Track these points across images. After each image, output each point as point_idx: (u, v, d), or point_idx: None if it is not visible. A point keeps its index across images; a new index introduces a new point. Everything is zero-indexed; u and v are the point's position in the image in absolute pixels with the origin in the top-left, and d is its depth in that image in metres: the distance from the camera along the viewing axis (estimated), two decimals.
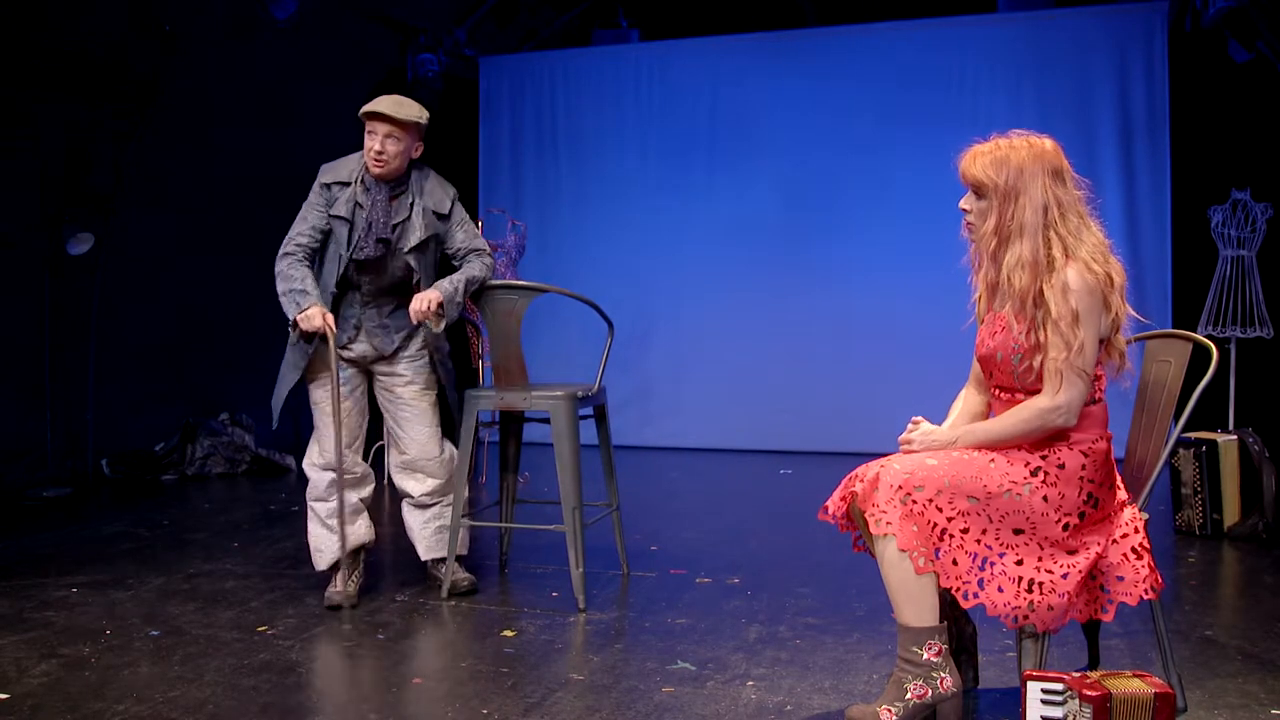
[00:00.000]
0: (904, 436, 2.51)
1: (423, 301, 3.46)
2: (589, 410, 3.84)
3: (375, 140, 3.47)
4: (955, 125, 6.80)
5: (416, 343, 3.68)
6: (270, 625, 3.34)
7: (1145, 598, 2.39)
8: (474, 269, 3.65)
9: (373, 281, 3.60)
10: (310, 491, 3.65)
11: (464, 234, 3.67)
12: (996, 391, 2.54)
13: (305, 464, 3.69)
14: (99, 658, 3.02)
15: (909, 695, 2.36)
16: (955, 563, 2.33)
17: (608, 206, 7.71)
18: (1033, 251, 2.38)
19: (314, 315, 3.46)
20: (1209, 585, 3.93)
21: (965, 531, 2.35)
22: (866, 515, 2.37)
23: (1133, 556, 2.41)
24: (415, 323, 3.53)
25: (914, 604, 2.35)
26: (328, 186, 3.60)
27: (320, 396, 3.64)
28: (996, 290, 2.49)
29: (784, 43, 7.43)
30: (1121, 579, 2.39)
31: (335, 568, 3.60)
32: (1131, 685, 2.24)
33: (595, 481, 4.05)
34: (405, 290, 3.61)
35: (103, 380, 6.25)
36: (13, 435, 5.76)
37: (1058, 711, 2.25)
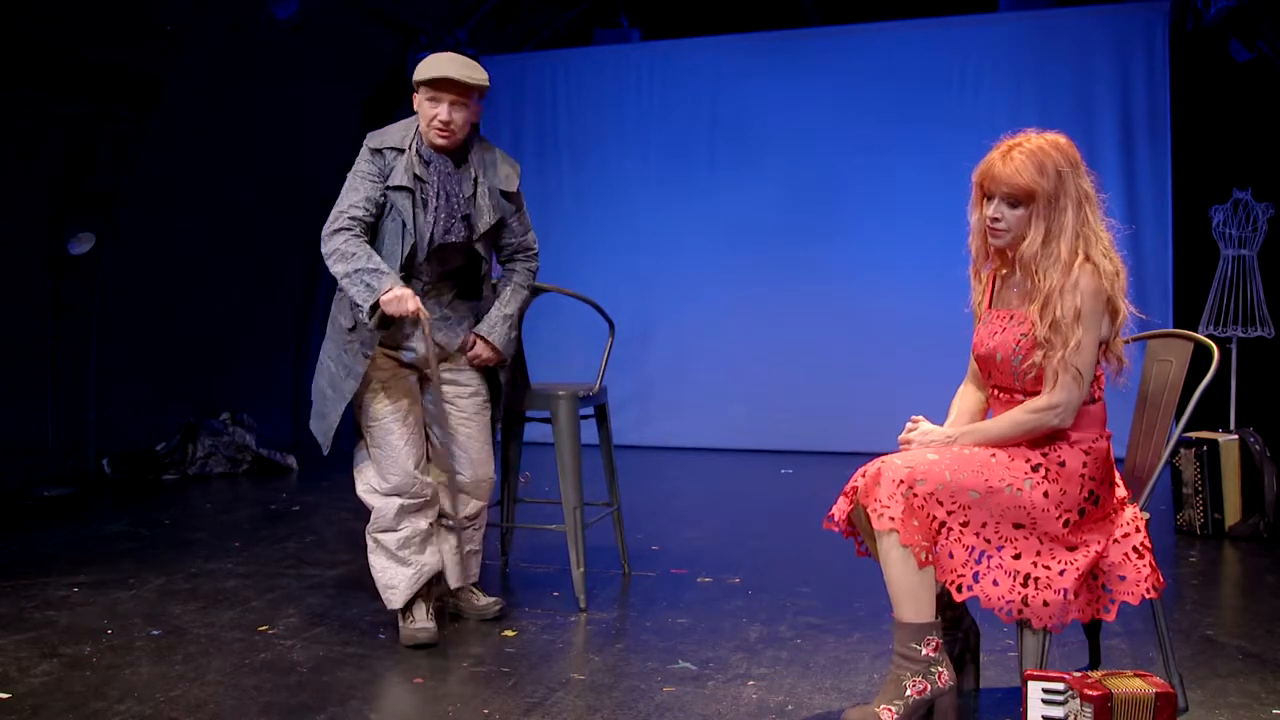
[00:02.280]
0: (903, 436, 2.52)
1: (482, 357, 3.22)
2: (590, 410, 3.84)
3: (440, 108, 3.02)
4: (956, 125, 6.80)
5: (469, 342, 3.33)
6: (271, 625, 3.34)
7: (1147, 597, 2.39)
8: (521, 291, 3.34)
9: (436, 266, 3.17)
10: (375, 523, 3.21)
11: (520, 224, 3.31)
12: (995, 391, 2.54)
13: (362, 491, 3.25)
14: (100, 657, 3.02)
15: (908, 692, 2.36)
16: (951, 556, 2.33)
17: (608, 206, 7.70)
18: (1069, 251, 2.38)
19: (405, 296, 2.91)
20: (1210, 585, 3.93)
21: (965, 525, 2.35)
22: (868, 510, 2.36)
23: (1134, 556, 2.41)
24: (470, 364, 3.25)
25: (914, 599, 2.35)
26: (379, 152, 3.12)
27: (382, 410, 3.18)
28: (1006, 289, 2.49)
29: (785, 43, 7.43)
30: (1123, 578, 2.39)
31: (411, 602, 3.19)
32: (1133, 685, 2.24)
33: (596, 481, 4.04)
34: (464, 275, 3.26)
35: (104, 380, 6.25)
36: (14, 435, 5.76)
37: (1059, 711, 2.25)
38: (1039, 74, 6.87)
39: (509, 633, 3.26)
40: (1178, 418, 2.60)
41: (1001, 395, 2.51)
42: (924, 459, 2.37)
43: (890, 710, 2.35)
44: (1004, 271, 2.56)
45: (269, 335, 7.70)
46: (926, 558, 2.32)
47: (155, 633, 3.25)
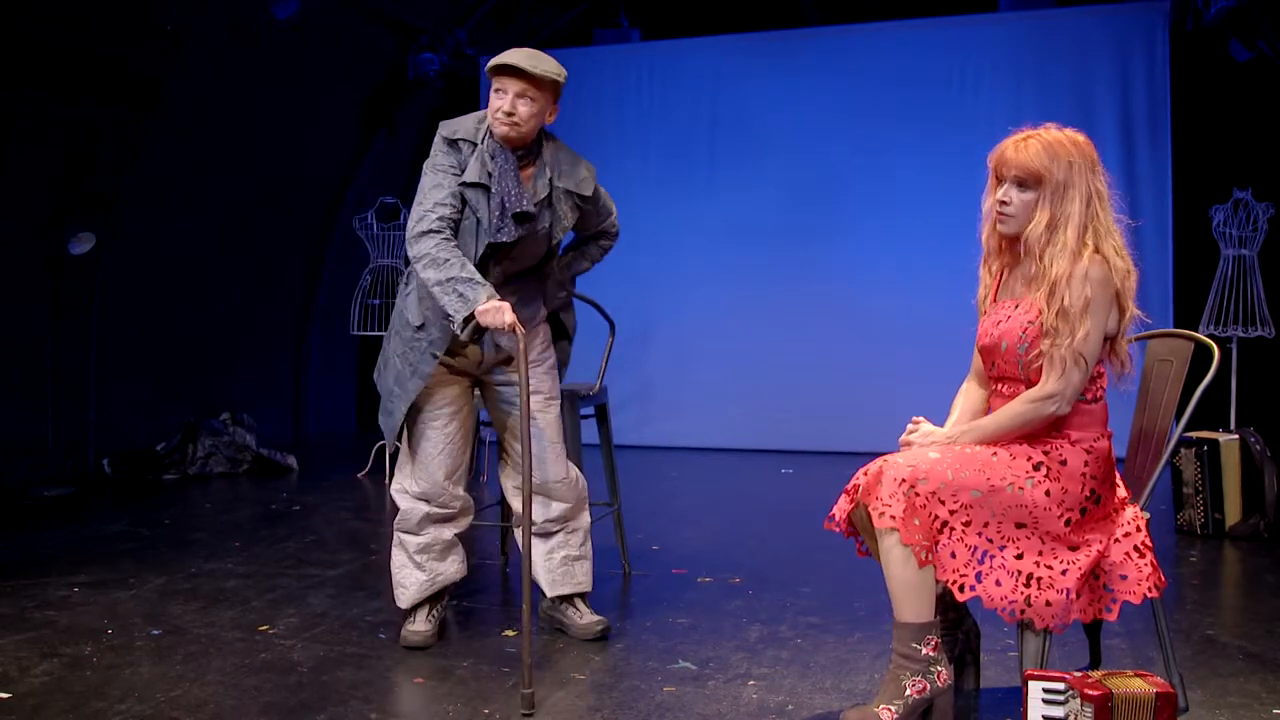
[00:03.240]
0: (903, 438, 2.51)
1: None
2: (590, 410, 3.84)
3: (504, 99, 2.91)
4: (956, 125, 6.80)
5: (541, 342, 3.23)
6: (271, 625, 3.34)
7: (1148, 596, 2.39)
8: (582, 262, 3.28)
9: (505, 269, 3.06)
10: (401, 522, 3.20)
11: (598, 218, 3.21)
12: (997, 385, 2.54)
13: (395, 490, 3.21)
14: (100, 657, 3.02)
15: (908, 691, 2.36)
16: (953, 555, 2.33)
17: None
18: (1076, 240, 2.39)
19: (503, 308, 2.76)
20: (1210, 585, 3.93)
21: (967, 525, 2.35)
22: (869, 509, 2.36)
23: (1135, 555, 2.41)
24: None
25: (914, 599, 2.35)
26: (454, 144, 2.98)
27: (422, 415, 3.12)
28: (1013, 279, 2.50)
29: (785, 42, 7.43)
30: (1124, 578, 2.39)
31: (416, 605, 3.20)
32: (1133, 685, 2.24)
33: (596, 481, 4.04)
34: (531, 275, 3.16)
35: (104, 380, 6.25)
36: (14, 435, 5.77)
37: (1059, 711, 2.25)
38: (1039, 74, 6.87)
39: (509, 632, 3.26)
40: (1178, 417, 2.60)
41: (1004, 388, 2.51)
42: (926, 458, 2.37)
43: (890, 710, 2.35)
44: (1013, 266, 2.56)
45: (269, 335, 7.70)
46: (927, 557, 2.32)
47: (155, 632, 3.25)
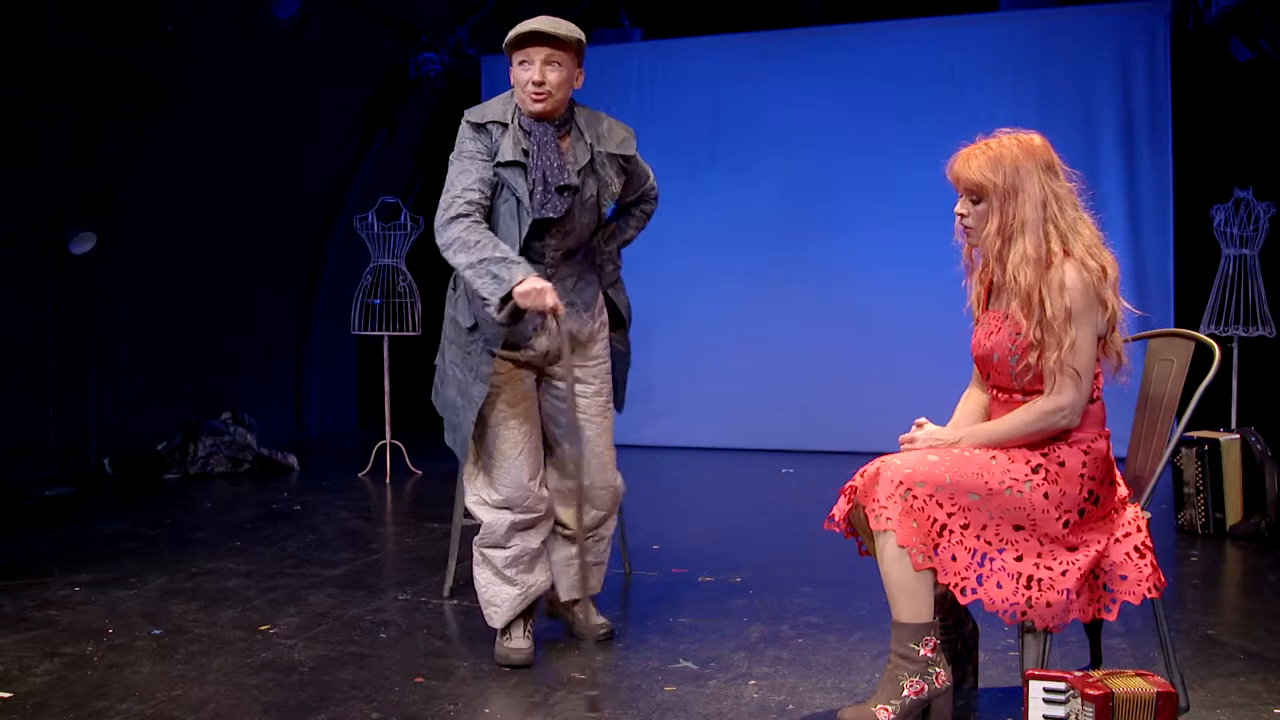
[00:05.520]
0: (906, 436, 2.51)
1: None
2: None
3: (531, 70, 2.79)
4: (957, 123, 6.72)
5: (602, 337, 3.09)
6: (272, 624, 3.34)
7: (1148, 596, 2.39)
8: (627, 231, 3.14)
9: (558, 245, 2.91)
10: (484, 537, 3.00)
11: (638, 180, 3.06)
12: (995, 392, 2.54)
13: (471, 502, 3.02)
14: (101, 656, 3.02)
15: (905, 692, 2.36)
16: (954, 559, 2.33)
17: None
18: (1035, 247, 2.37)
19: (545, 289, 2.60)
20: (1211, 584, 3.93)
21: (965, 527, 2.35)
22: (866, 510, 2.37)
23: (1135, 555, 2.41)
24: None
25: (911, 600, 2.35)
26: (482, 128, 2.85)
27: (495, 415, 2.93)
28: (1000, 290, 2.49)
29: (786, 42, 7.42)
30: (1124, 578, 2.39)
31: (510, 621, 3.03)
32: (1134, 684, 2.23)
33: None
34: (583, 252, 3.01)
35: (105, 379, 6.26)
36: (15, 434, 5.77)
37: (1060, 710, 2.25)
38: (1040, 73, 6.87)
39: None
40: (1179, 417, 2.60)
41: (1001, 396, 2.51)
42: (923, 460, 2.37)
43: (887, 710, 2.35)
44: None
45: (270, 335, 7.71)
46: (924, 559, 2.32)
47: (156, 632, 3.25)
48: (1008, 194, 2.39)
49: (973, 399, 2.65)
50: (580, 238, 2.96)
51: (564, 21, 2.83)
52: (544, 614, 3.29)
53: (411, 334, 6.39)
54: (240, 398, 7.07)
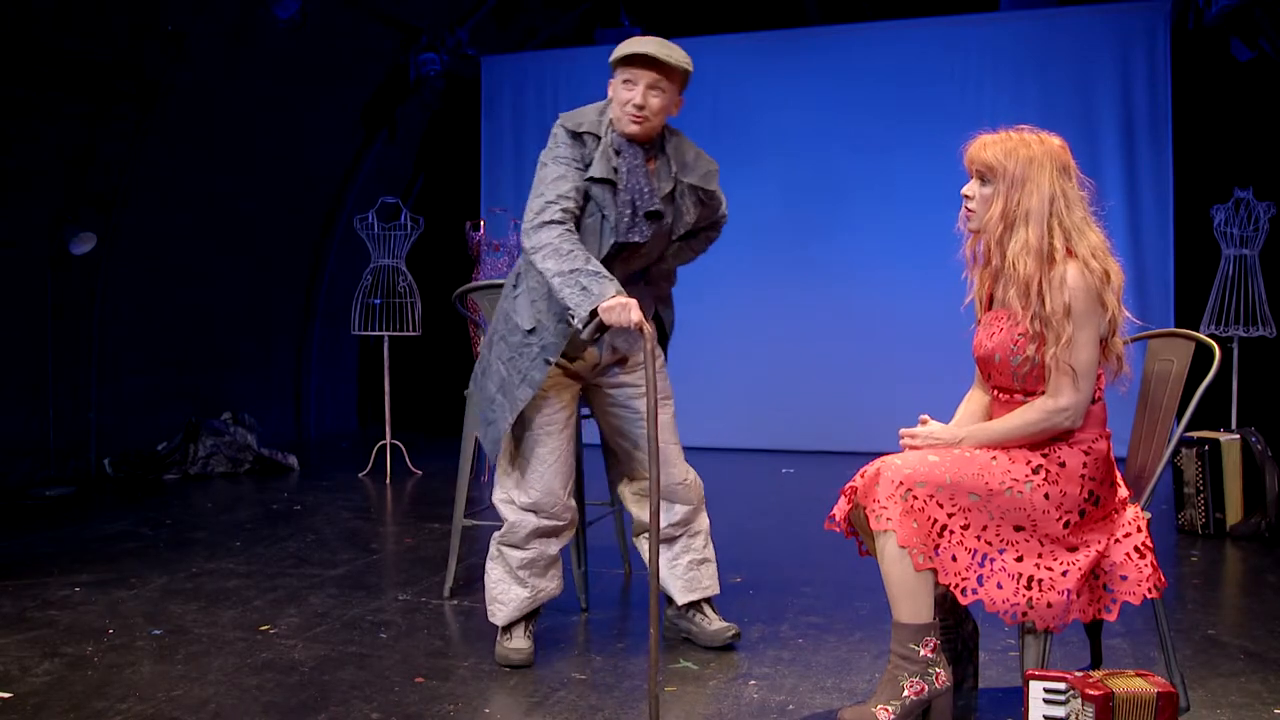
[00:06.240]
0: (907, 430, 2.50)
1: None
2: (590, 410, 3.83)
3: (634, 91, 2.76)
4: (958, 123, 6.72)
5: (652, 340, 3.07)
6: (273, 624, 3.34)
7: (1148, 597, 2.38)
8: (688, 253, 3.14)
9: (627, 265, 2.91)
10: (505, 535, 3.01)
11: (712, 210, 3.07)
12: (996, 393, 2.54)
13: (500, 500, 3.02)
14: (101, 657, 3.02)
15: (905, 692, 2.36)
16: (954, 559, 2.33)
17: None
18: (1038, 238, 2.37)
19: (631, 306, 2.59)
20: (1212, 584, 3.93)
21: (965, 528, 2.35)
22: (867, 510, 2.36)
23: (1135, 556, 2.41)
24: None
25: (911, 600, 2.35)
26: (578, 137, 2.82)
27: (535, 419, 2.93)
28: (999, 279, 2.49)
29: (786, 42, 7.43)
30: (1124, 578, 2.39)
31: (512, 622, 3.04)
32: (1134, 684, 2.23)
33: (597, 480, 4.04)
34: (644, 274, 3.03)
35: (105, 380, 6.26)
36: (15, 434, 5.77)
37: (1060, 711, 2.25)
38: (1040, 73, 6.88)
39: None
40: (1179, 417, 2.60)
41: (1002, 396, 2.51)
42: (924, 461, 2.37)
43: (887, 710, 2.35)
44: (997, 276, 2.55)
45: (270, 335, 7.71)
46: (924, 559, 2.32)
47: (156, 632, 3.25)
48: (1016, 181, 2.39)
49: (974, 400, 2.64)
50: (647, 260, 2.97)
51: (677, 48, 2.81)
52: (666, 629, 3.17)
53: (412, 334, 6.40)
54: (240, 398, 7.07)
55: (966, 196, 2.49)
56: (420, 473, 6.31)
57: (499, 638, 3.04)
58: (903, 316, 6.98)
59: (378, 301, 6.36)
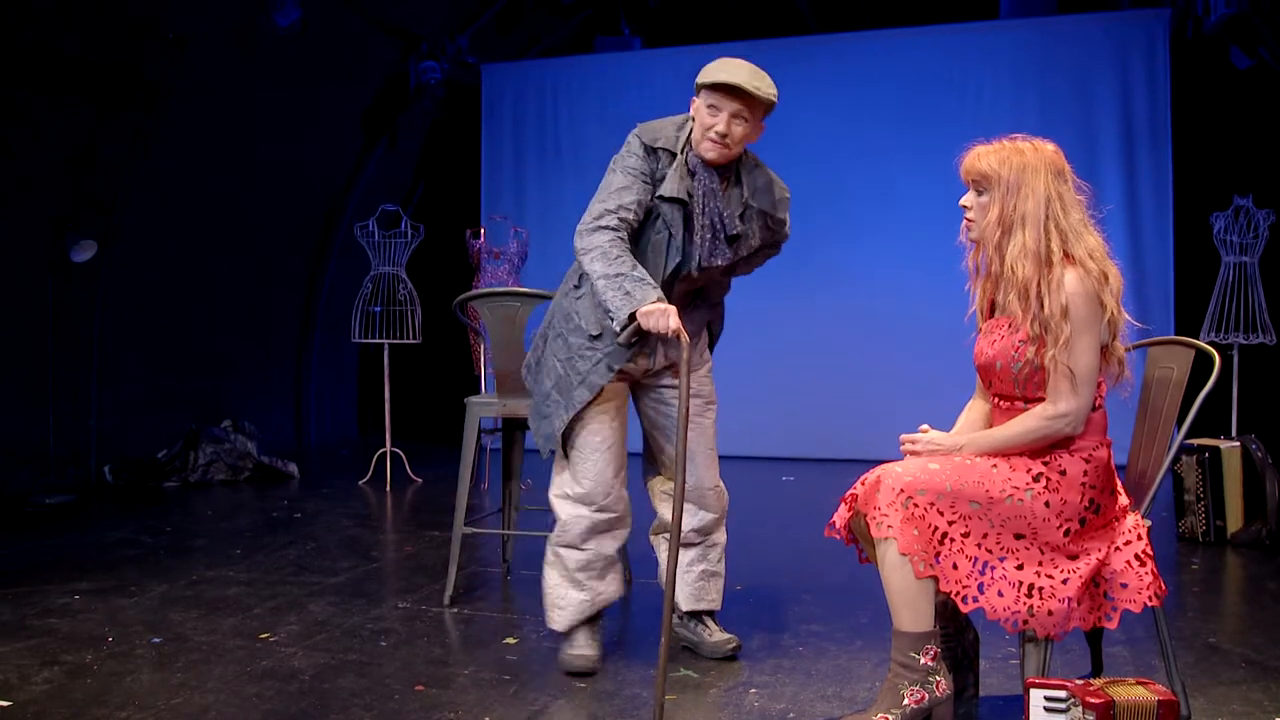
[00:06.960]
0: (908, 436, 2.50)
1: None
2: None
3: (719, 118, 2.76)
4: (958, 130, 6.69)
5: (701, 345, 3.13)
6: (273, 632, 3.34)
7: (1149, 605, 2.38)
8: (746, 266, 3.17)
9: (690, 281, 2.95)
10: (560, 535, 2.98)
11: (776, 233, 3.09)
12: (997, 400, 2.54)
13: (555, 495, 3.01)
14: (101, 665, 3.02)
15: (906, 701, 2.36)
16: (955, 567, 2.33)
17: None
18: (1036, 240, 2.39)
19: (670, 313, 2.61)
20: (1212, 592, 3.92)
21: (966, 536, 2.35)
22: (867, 518, 2.36)
23: (1136, 563, 2.41)
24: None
25: (912, 608, 2.35)
26: (653, 151, 2.82)
27: (589, 413, 2.92)
28: (999, 285, 2.49)
29: (786, 50, 7.43)
30: (1125, 586, 2.39)
31: (575, 626, 2.99)
32: (1135, 692, 2.23)
33: None
34: (700, 291, 3.07)
35: (105, 387, 6.26)
36: (15, 441, 5.77)
37: (1061, 719, 2.24)
38: (1040, 81, 6.89)
39: (510, 640, 3.26)
40: (1179, 425, 2.60)
41: (1003, 404, 2.51)
42: (924, 468, 2.37)
43: (888, 718, 2.35)
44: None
45: (270, 342, 7.71)
46: (925, 567, 2.32)
47: (156, 640, 3.25)
48: (1012, 186, 2.41)
49: (975, 409, 2.65)
50: (708, 279, 3.00)
51: (766, 78, 2.79)
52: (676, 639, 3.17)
53: (412, 342, 6.40)
54: (241, 405, 7.07)
55: (965, 208, 2.51)
56: (420, 480, 6.31)
57: (562, 644, 3.00)
58: (904, 324, 6.98)
59: (378, 309, 6.36)
